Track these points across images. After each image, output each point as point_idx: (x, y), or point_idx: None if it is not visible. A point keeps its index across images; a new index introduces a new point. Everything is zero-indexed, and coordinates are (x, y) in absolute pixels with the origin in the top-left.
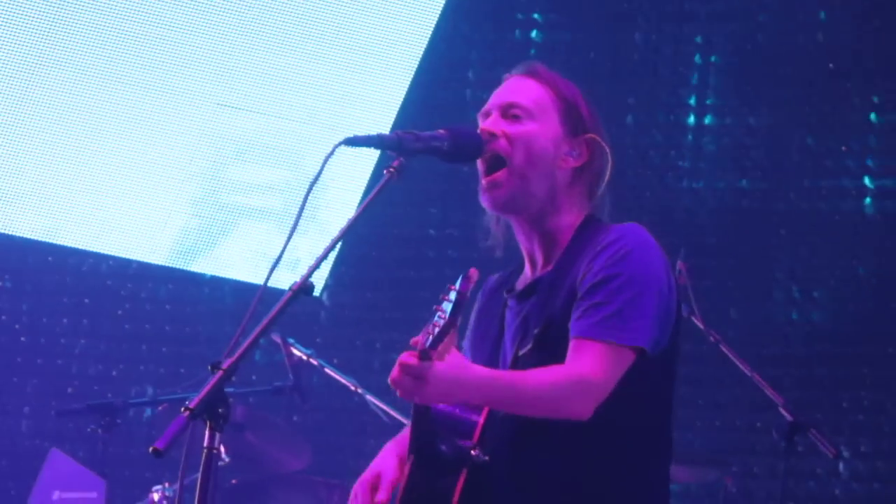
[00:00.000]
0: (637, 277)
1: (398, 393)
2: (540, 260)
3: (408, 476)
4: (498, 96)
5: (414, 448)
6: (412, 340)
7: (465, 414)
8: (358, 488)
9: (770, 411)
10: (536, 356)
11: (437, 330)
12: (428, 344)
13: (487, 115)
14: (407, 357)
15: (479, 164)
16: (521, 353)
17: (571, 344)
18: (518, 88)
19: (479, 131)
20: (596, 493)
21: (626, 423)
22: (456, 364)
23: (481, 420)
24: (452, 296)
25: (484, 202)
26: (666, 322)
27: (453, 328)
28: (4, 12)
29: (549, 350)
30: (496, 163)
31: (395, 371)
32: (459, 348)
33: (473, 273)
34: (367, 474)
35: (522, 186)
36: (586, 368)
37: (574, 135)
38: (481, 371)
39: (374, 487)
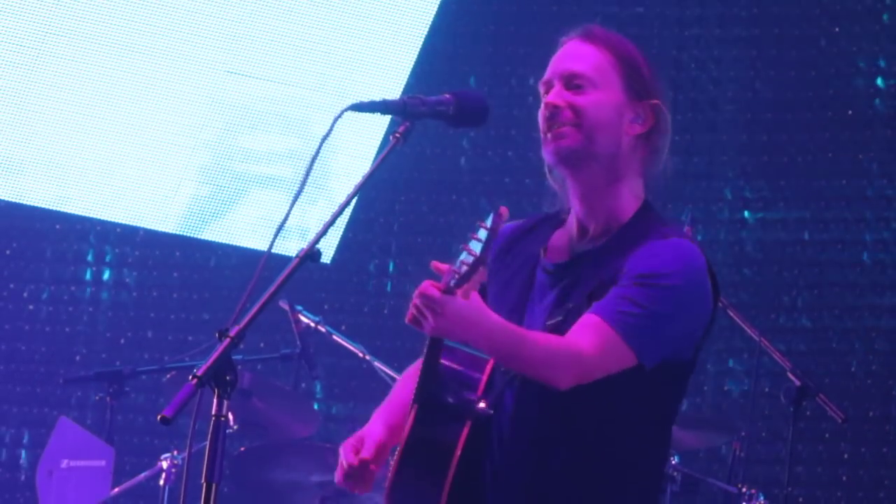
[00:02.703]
0: (678, 298)
1: (409, 320)
2: (591, 230)
3: (411, 425)
4: (557, 64)
5: (419, 398)
6: (434, 264)
7: (469, 370)
8: (341, 450)
9: (778, 376)
10: (562, 329)
11: (464, 268)
12: (453, 281)
13: (549, 85)
14: (429, 287)
15: (542, 122)
16: (549, 322)
17: (583, 317)
18: (577, 55)
19: (544, 103)
20: (594, 469)
21: (628, 421)
22: (476, 304)
23: (484, 377)
24: (482, 234)
25: (547, 152)
26: (686, 343)
27: (482, 266)
28: None
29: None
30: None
31: (415, 299)
32: (483, 286)
33: (504, 211)
34: (352, 438)
35: (588, 145)
36: (584, 343)
37: (638, 99)
38: (495, 317)
39: (357, 449)
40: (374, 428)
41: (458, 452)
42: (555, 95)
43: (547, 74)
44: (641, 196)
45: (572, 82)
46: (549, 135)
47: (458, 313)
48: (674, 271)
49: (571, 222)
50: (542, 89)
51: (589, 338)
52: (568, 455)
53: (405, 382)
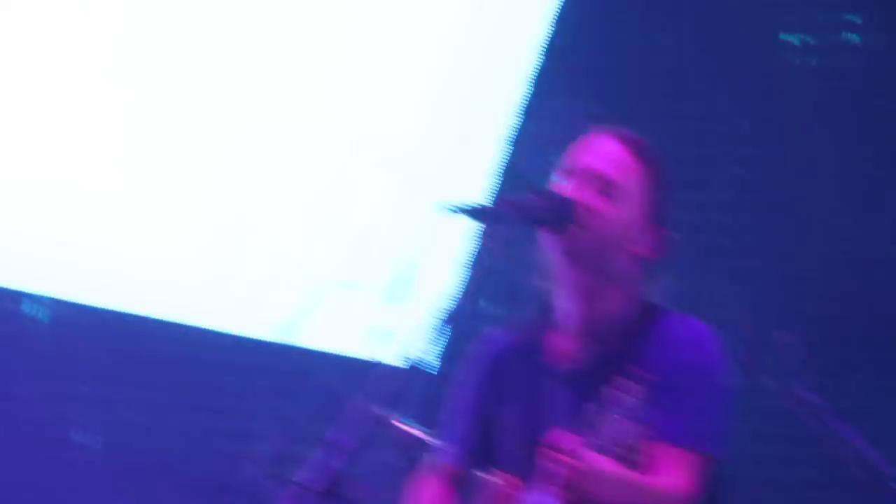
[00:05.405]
0: (723, 388)
1: (563, 485)
2: (593, 331)
3: None
4: (591, 160)
5: None
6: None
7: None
8: None
9: None
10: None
11: (624, 438)
12: (614, 446)
13: (577, 175)
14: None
15: None
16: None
17: (663, 448)
18: (615, 160)
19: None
20: None
21: None
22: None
23: None
24: (629, 403)
25: (549, 243)
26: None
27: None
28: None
29: None
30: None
31: (568, 463)
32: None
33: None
34: None
35: (594, 249)
36: (682, 483)
37: (652, 222)
38: (627, 471)
39: None
40: None
41: None
42: (584, 194)
43: (577, 163)
44: (638, 296)
45: (604, 187)
46: (559, 226)
47: (608, 475)
48: (708, 361)
49: (566, 324)
50: (563, 175)
51: (683, 475)
52: None
53: None
